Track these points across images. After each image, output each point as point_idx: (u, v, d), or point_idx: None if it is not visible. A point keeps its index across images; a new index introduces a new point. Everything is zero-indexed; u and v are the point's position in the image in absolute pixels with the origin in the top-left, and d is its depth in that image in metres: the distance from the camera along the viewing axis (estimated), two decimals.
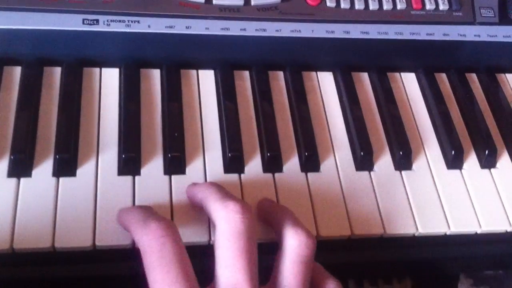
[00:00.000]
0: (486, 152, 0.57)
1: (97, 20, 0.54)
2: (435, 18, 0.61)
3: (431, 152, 0.57)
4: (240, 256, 0.40)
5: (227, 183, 0.50)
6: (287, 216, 0.45)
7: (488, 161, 0.57)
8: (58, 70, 0.55)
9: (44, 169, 0.49)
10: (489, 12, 0.62)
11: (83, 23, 0.53)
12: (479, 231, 0.52)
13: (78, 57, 0.55)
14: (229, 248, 0.41)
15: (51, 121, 0.52)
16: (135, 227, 0.42)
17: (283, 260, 0.43)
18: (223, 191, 0.45)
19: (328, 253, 0.48)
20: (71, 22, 0.53)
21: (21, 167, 0.48)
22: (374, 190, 0.53)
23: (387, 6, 0.60)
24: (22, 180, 0.48)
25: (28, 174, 0.48)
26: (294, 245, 0.43)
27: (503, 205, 0.54)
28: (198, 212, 0.48)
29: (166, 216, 0.47)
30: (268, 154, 0.52)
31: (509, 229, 0.53)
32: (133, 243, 0.46)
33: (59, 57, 0.55)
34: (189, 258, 0.41)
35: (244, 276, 0.40)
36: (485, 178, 0.56)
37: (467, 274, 0.58)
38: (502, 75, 0.66)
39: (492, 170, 0.57)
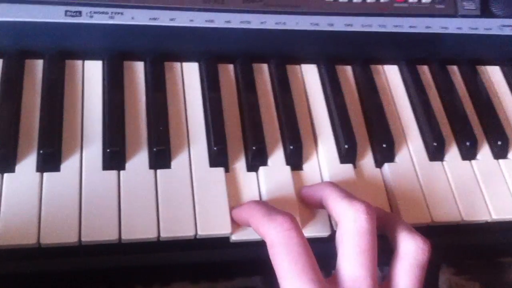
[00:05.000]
0: (467, 143, 0.57)
1: (80, 12, 0.53)
2: (418, 11, 0.61)
3: (413, 144, 0.57)
4: (363, 253, 0.42)
5: (211, 178, 0.50)
6: (401, 223, 0.47)
7: (469, 153, 0.58)
8: (40, 63, 0.54)
9: (27, 164, 0.48)
10: (471, 4, 0.63)
11: (66, 14, 0.53)
12: (461, 222, 0.53)
13: (60, 49, 0.54)
14: (354, 245, 0.43)
15: (33, 115, 0.51)
16: (261, 220, 0.44)
17: (400, 263, 0.45)
18: (346, 191, 0.47)
19: None
20: (54, 14, 0.53)
21: (4, 163, 0.47)
22: (356, 183, 0.53)
23: None
24: (6, 175, 0.47)
25: (11, 169, 0.47)
26: (411, 250, 0.45)
27: (483, 196, 0.55)
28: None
29: (151, 210, 0.48)
30: (254, 148, 0.52)
31: (489, 219, 0.54)
32: (120, 238, 0.46)
33: (41, 49, 0.54)
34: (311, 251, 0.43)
35: (365, 272, 0.42)
36: (466, 170, 0.57)
37: (449, 263, 0.59)
38: (483, 67, 0.66)
39: (473, 161, 0.57)
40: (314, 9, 0.58)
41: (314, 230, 0.50)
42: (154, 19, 0.54)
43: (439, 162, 0.57)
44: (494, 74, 0.66)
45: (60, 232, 0.45)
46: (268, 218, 0.43)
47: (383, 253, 0.45)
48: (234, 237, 0.48)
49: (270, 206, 0.46)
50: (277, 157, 0.53)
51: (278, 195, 0.51)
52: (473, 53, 0.65)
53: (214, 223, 0.48)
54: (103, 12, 0.53)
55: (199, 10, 0.56)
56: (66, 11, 0.53)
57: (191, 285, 0.52)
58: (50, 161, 0.48)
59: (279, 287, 0.42)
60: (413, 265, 0.44)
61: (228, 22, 0.56)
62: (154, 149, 0.50)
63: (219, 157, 0.52)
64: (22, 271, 0.46)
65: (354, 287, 0.42)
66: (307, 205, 0.50)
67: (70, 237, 0.45)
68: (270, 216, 0.43)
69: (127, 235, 0.46)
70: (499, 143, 0.58)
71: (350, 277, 0.42)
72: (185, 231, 0.48)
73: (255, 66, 0.59)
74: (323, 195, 0.47)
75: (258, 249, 0.49)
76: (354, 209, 0.44)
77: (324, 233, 0.50)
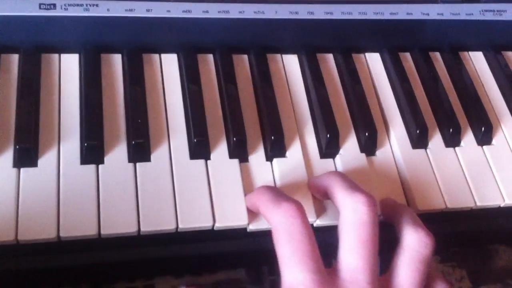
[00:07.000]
0: (450, 130, 0.57)
1: (54, 5, 0.52)
2: None
3: (396, 132, 0.57)
4: (362, 244, 0.43)
5: (192, 171, 0.50)
6: (407, 214, 0.47)
7: (452, 140, 0.57)
8: (15, 57, 0.53)
9: (4, 160, 0.47)
10: None
11: (40, 7, 0.52)
12: (446, 209, 0.53)
13: (35, 43, 0.53)
14: (353, 236, 0.43)
15: (10, 110, 0.50)
16: (267, 206, 0.44)
17: (401, 255, 0.45)
18: (351, 181, 0.46)
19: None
20: (27, 7, 0.52)
21: None
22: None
23: None
24: None
25: None
26: (413, 243, 0.45)
27: (467, 183, 0.55)
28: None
29: (131, 204, 0.47)
30: (234, 139, 0.52)
31: (474, 206, 0.54)
32: (99, 233, 0.45)
33: (16, 43, 0.53)
34: (315, 239, 0.43)
35: (364, 263, 0.42)
36: (450, 157, 0.56)
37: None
38: (465, 53, 0.66)
39: (457, 148, 0.57)
40: None
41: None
42: (130, 10, 0.53)
43: (423, 150, 0.56)
44: (477, 59, 0.66)
45: (38, 228, 0.45)
46: (274, 204, 0.44)
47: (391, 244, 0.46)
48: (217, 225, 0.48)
49: (279, 192, 0.46)
50: (258, 150, 0.53)
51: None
52: (455, 39, 0.65)
53: (195, 215, 0.48)
54: (77, 4, 0.52)
55: (176, 0, 0.55)
56: (40, 4, 0.52)
57: (174, 279, 0.52)
58: (26, 156, 0.47)
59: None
60: (414, 258, 0.44)
61: (206, 12, 0.55)
62: (133, 142, 0.49)
63: (199, 149, 0.51)
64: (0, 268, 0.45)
65: (352, 277, 0.42)
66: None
67: (48, 233, 0.45)
68: (276, 202, 0.44)
69: (106, 230, 0.46)
70: (483, 129, 0.58)
71: (348, 268, 0.42)
72: (166, 224, 0.47)
73: (235, 56, 0.58)
74: (328, 185, 0.47)
75: (241, 241, 0.50)
76: (354, 200, 0.44)
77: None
